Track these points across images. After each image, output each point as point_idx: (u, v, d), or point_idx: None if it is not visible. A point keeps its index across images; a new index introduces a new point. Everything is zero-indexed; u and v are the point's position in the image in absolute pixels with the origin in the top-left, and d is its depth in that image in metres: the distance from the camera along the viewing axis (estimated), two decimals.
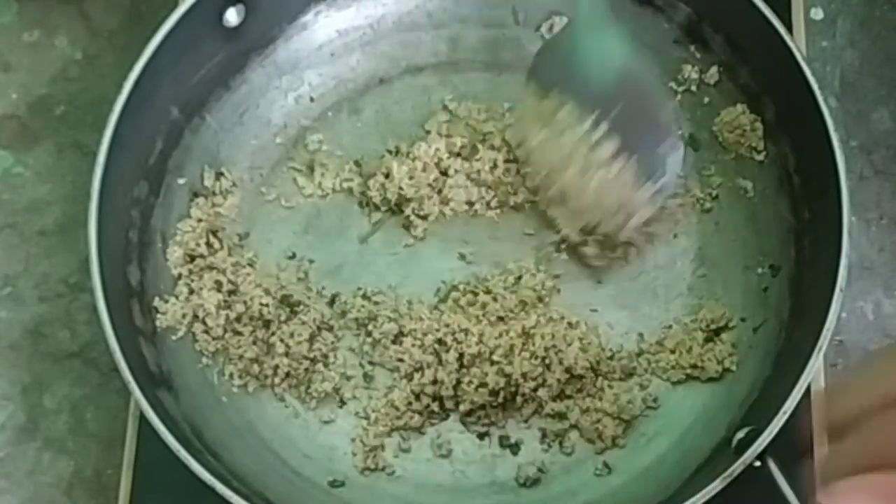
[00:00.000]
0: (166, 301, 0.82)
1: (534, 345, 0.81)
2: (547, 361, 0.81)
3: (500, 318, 0.83)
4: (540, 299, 0.84)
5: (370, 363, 0.83)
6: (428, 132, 0.89)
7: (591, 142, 0.80)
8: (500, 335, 0.82)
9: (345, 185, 0.88)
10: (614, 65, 0.79)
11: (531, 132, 0.83)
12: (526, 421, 0.82)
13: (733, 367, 0.82)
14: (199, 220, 0.85)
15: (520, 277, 0.84)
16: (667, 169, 0.80)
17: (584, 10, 0.78)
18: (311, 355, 0.82)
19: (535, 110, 0.82)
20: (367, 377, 0.83)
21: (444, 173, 0.86)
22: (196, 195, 0.86)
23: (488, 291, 0.84)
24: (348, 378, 0.83)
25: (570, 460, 0.81)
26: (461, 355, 0.81)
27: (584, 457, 0.81)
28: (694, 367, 0.82)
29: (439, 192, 0.86)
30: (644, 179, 0.80)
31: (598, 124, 0.79)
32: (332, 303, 0.85)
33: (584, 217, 0.82)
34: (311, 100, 0.90)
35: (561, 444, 0.81)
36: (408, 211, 0.86)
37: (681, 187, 0.86)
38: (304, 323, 0.83)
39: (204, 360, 0.83)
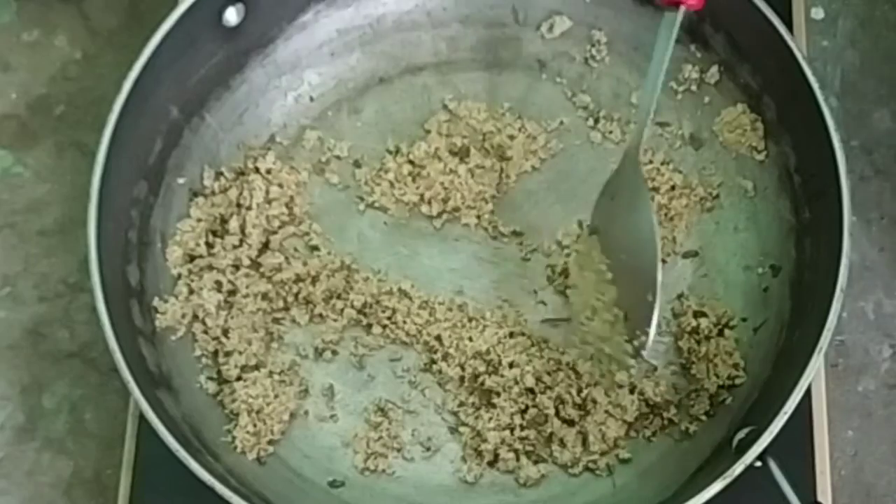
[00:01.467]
0: (166, 301, 0.82)
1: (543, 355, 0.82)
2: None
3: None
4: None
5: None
6: (428, 132, 0.89)
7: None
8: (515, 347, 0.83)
9: (345, 184, 0.88)
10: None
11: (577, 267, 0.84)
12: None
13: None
14: (199, 220, 0.85)
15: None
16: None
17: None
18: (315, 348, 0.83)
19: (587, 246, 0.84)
20: (370, 376, 0.84)
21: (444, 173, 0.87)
22: (196, 195, 0.86)
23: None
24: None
25: (570, 460, 0.81)
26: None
27: (585, 457, 0.81)
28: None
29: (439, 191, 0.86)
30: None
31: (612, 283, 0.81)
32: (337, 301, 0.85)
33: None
34: (311, 99, 0.90)
35: (562, 443, 0.81)
36: (406, 211, 0.86)
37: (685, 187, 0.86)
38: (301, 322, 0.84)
39: (204, 360, 0.83)
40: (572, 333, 0.83)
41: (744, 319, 0.83)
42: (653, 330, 0.77)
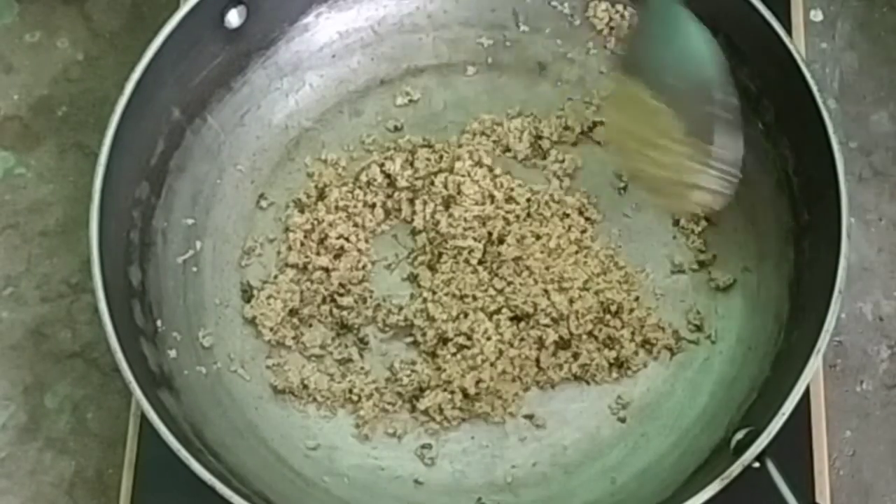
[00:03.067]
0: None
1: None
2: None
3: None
4: None
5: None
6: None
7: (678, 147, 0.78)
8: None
9: (346, 186, 0.88)
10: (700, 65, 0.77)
11: (622, 116, 0.82)
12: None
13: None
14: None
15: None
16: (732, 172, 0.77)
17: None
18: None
19: (632, 96, 0.80)
20: (365, 369, 0.84)
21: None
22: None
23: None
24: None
25: (570, 461, 0.82)
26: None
27: (584, 457, 0.82)
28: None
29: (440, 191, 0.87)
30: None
31: (688, 134, 0.77)
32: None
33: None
34: (313, 101, 0.90)
35: (564, 448, 0.81)
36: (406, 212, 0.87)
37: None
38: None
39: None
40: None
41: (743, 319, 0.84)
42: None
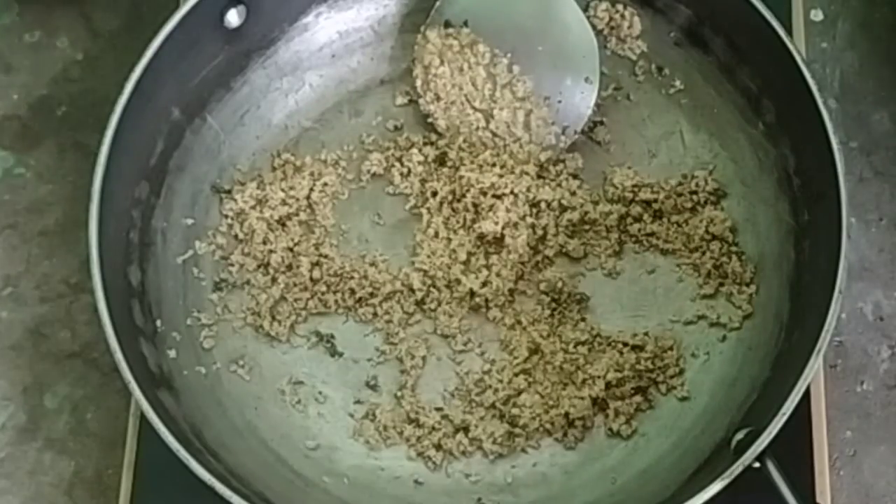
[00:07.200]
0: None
1: None
2: None
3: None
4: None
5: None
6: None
7: (504, 82, 0.80)
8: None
9: (346, 186, 0.88)
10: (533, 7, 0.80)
11: (435, 63, 0.84)
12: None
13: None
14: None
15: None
16: (580, 111, 0.80)
17: None
18: None
19: (442, 43, 0.83)
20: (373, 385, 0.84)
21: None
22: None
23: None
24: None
25: (569, 461, 0.82)
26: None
27: (585, 457, 0.82)
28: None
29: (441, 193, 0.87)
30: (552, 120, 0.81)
31: (511, 67, 0.80)
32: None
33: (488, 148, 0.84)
34: (313, 101, 0.90)
35: (565, 434, 0.81)
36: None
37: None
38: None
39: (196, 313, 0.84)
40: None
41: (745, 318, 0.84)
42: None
